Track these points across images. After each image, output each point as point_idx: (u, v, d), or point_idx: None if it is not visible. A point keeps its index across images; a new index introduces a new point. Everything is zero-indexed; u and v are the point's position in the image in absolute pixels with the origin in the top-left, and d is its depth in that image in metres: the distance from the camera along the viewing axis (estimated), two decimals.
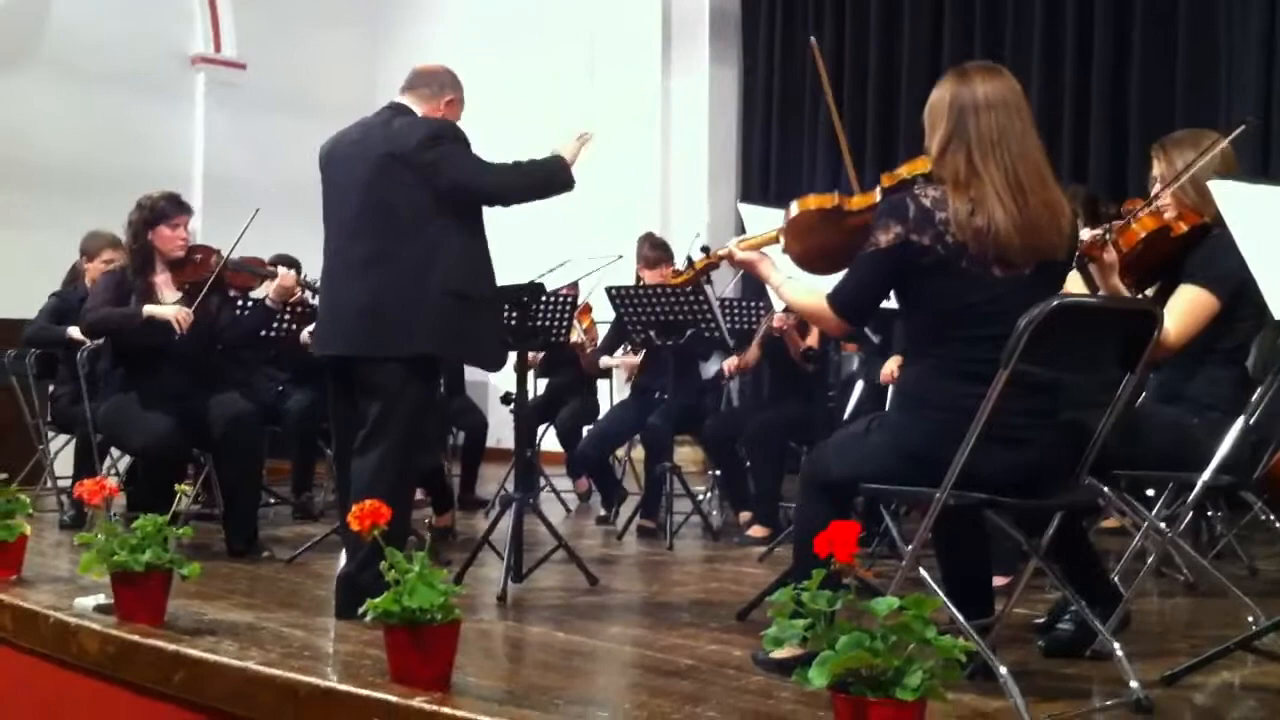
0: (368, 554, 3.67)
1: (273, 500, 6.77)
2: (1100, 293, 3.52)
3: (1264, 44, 7.18)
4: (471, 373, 7.34)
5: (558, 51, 10.37)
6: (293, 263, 6.61)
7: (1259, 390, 3.46)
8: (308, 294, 5.56)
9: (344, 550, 4.08)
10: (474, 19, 10.99)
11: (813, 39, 4.36)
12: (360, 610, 3.12)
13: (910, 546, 3.13)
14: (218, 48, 10.60)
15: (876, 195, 3.30)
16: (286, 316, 6.06)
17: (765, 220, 3.99)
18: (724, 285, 7.06)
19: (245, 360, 6.42)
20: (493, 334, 4.20)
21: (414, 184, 3.94)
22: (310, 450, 6.69)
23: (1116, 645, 3.00)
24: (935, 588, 3.01)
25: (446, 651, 3.08)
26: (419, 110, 4.15)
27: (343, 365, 4.06)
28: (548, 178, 4.14)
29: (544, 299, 5.91)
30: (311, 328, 5.18)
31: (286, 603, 4.27)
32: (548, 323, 6.26)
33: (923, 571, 3.06)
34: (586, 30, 10.24)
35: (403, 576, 3.02)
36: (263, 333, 5.90)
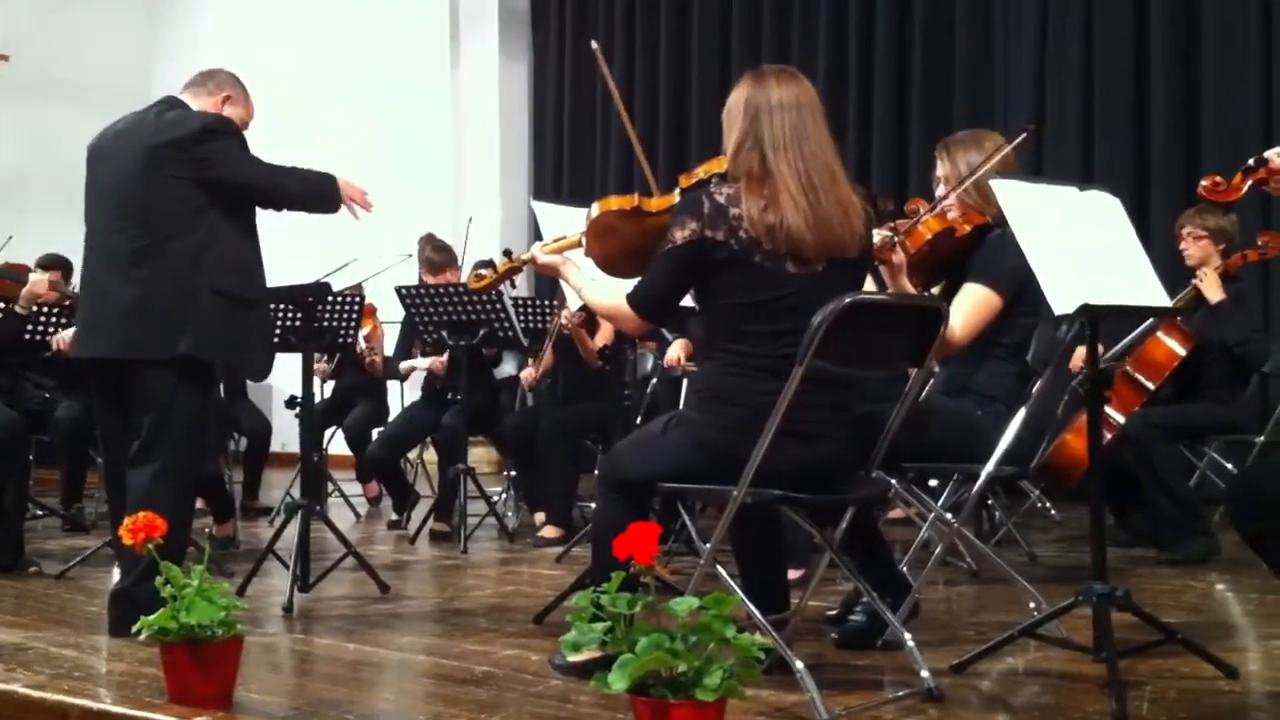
0: (143, 568, 3.48)
1: (40, 512, 6.40)
2: (890, 291, 3.59)
3: (1037, 48, 7.52)
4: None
5: (339, 41, 10.13)
6: (62, 263, 6.30)
7: (1038, 383, 3.58)
8: (66, 299, 5.30)
9: (117, 564, 3.87)
10: (252, 6, 10.65)
11: (595, 45, 4.30)
12: (134, 628, 2.95)
13: (708, 544, 3.13)
14: None
15: (675, 196, 3.31)
16: (51, 320, 5.72)
17: (559, 218, 3.95)
18: (517, 283, 6.99)
19: (9, 366, 6.06)
20: (259, 340, 4.02)
21: (184, 177, 3.76)
22: (81, 460, 6.36)
23: (907, 635, 3.05)
24: (733, 585, 3.02)
25: (228, 668, 2.94)
26: (195, 105, 3.98)
27: (108, 368, 3.85)
28: (320, 192, 4.00)
29: (330, 299, 5.74)
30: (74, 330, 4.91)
31: (56, 620, 4.03)
32: (334, 323, 6.09)
33: (720, 569, 3.06)
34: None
35: (179, 591, 2.87)
36: (26, 337, 5.58)
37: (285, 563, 4.40)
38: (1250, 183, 2.71)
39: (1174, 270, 5.29)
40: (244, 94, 4.12)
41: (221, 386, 6.21)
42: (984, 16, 7.87)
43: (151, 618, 2.87)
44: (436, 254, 6.48)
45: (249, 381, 7.15)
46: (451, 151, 9.96)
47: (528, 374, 6.36)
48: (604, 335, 5.92)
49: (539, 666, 3.33)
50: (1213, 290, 5.17)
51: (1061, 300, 2.91)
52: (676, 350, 5.58)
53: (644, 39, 9.45)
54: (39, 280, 5.12)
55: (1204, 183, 2.80)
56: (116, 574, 3.88)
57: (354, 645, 3.67)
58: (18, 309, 5.23)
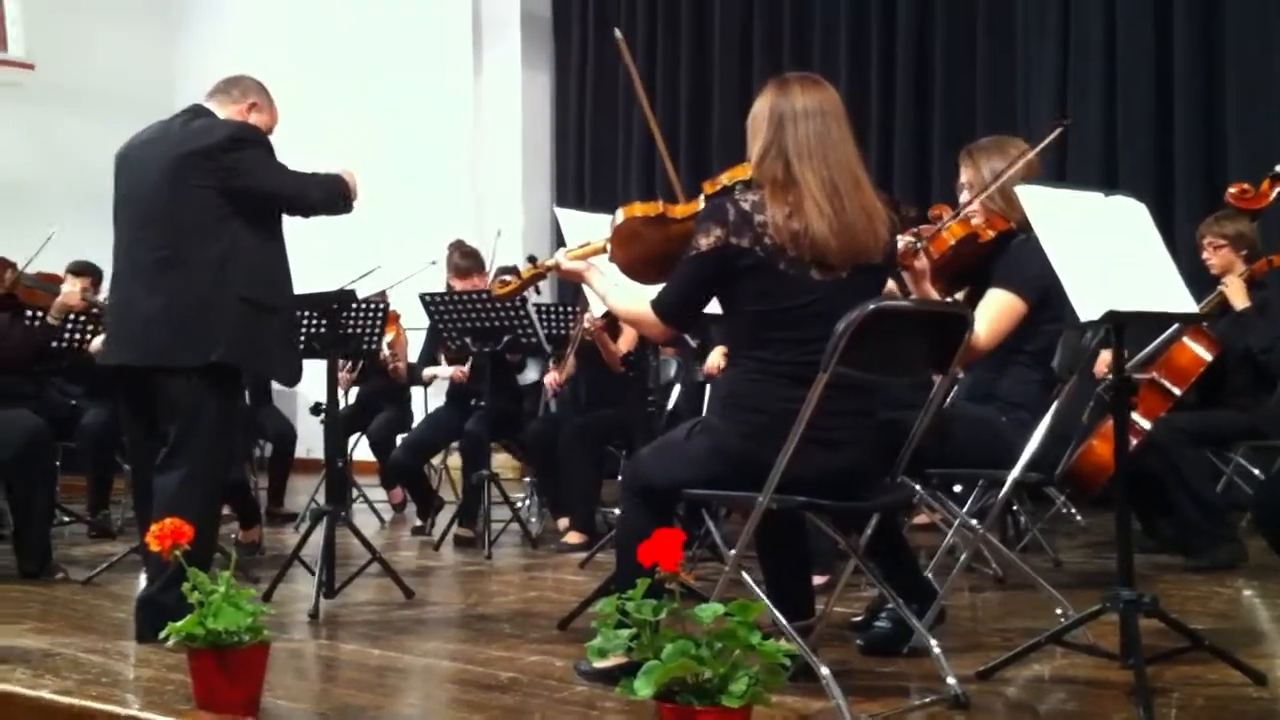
0: (170, 574, 3.50)
1: (67, 519, 6.44)
2: (913, 297, 3.58)
3: (1059, 56, 7.49)
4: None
5: (362, 49, 10.17)
6: (92, 270, 6.34)
7: (1064, 389, 3.57)
8: (94, 309, 5.34)
9: (144, 570, 3.89)
10: (274, 13, 10.70)
11: (617, 33, 4.31)
12: (162, 634, 2.97)
13: (733, 550, 3.13)
14: (3, 46, 10.09)
15: (700, 203, 3.31)
16: (81, 327, 5.76)
17: (581, 225, 3.96)
18: (541, 289, 7.01)
19: (35, 374, 6.09)
20: (286, 345, 4.03)
21: (211, 185, 3.78)
22: (107, 466, 6.38)
23: (933, 642, 3.05)
24: (758, 591, 3.02)
25: (255, 674, 2.96)
26: (221, 114, 4.00)
27: (135, 376, 3.87)
28: (338, 194, 4.04)
29: (355, 306, 5.77)
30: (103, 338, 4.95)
31: (83, 626, 4.06)
32: (359, 330, 6.11)
33: (745, 575, 3.06)
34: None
35: (206, 597, 2.89)
36: (54, 345, 5.63)
37: (311, 569, 4.42)
38: (1278, 190, 2.69)
39: (1198, 277, 5.26)
40: (269, 100, 4.14)
41: (247, 393, 6.23)
42: (1006, 24, 7.85)
43: (178, 624, 2.89)
44: (464, 259, 6.50)
45: (277, 386, 7.18)
46: (474, 159, 9.98)
47: (551, 378, 6.37)
48: (627, 341, 5.92)
49: (564, 672, 3.33)
50: (1238, 297, 5.14)
51: (1087, 306, 2.90)
52: (716, 358, 5.56)
53: (665, 48, 9.46)
54: (71, 292, 5.16)
55: (1231, 190, 2.80)
56: (143, 580, 3.90)
57: (379, 651, 3.68)
58: (50, 319, 5.27)
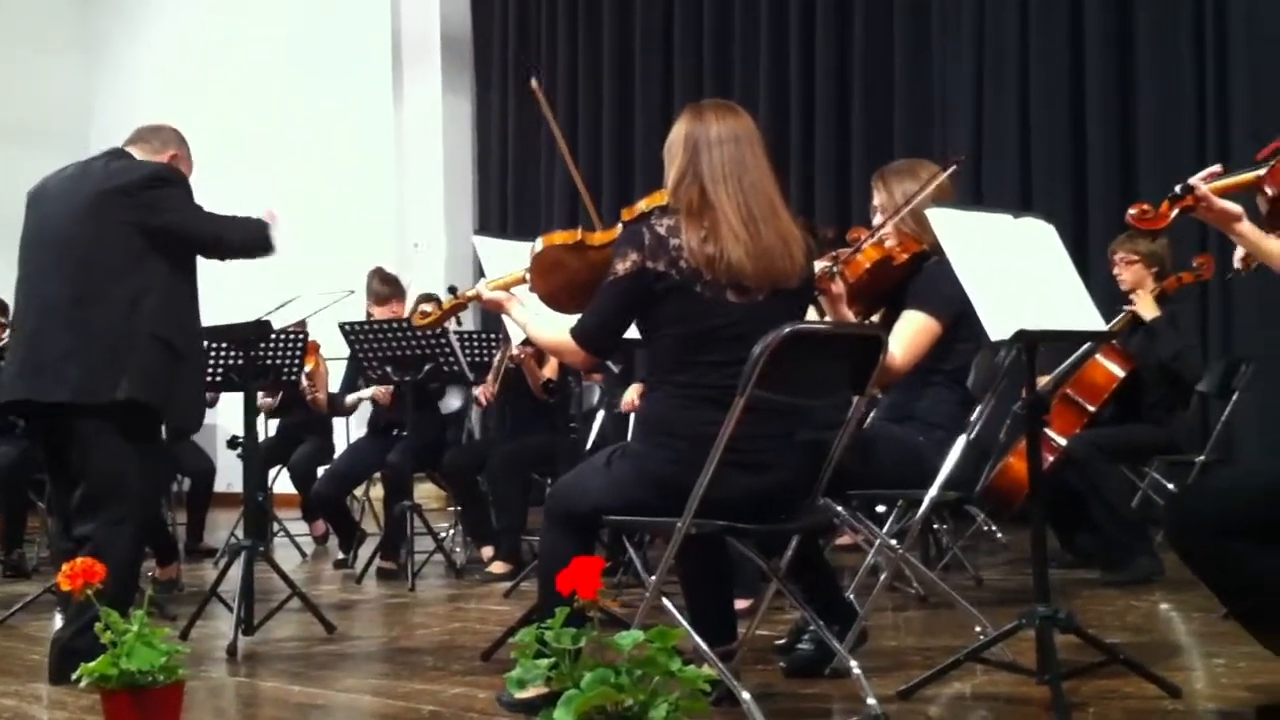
0: (86, 615, 3.42)
1: None
2: (829, 319, 3.61)
3: (974, 82, 7.63)
4: None
5: (281, 75, 10.09)
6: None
7: (978, 409, 3.61)
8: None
9: (59, 610, 3.80)
10: (193, 42, 10.60)
11: (533, 81, 4.31)
12: (75, 675, 2.90)
13: (654, 576, 3.12)
14: None
15: (618, 230, 3.31)
16: None
17: (501, 253, 3.95)
18: (463, 319, 6.98)
19: None
20: (192, 390, 3.99)
21: (130, 222, 3.76)
22: (20, 503, 6.24)
23: (854, 663, 3.06)
24: (679, 617, 3.01)
25: (171, 713, 2.91)
26: (140, 158, 3.97)
27: (49, 416, 3.79)
28: (259, 238, 4.00)
29: (272, 337, 5.70)
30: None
31: None
32: (277, 362, 6.04)
33: (666, 601, 3.05)
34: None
35: (120, 637, 2.83)
36: None
37: (229, 605, 4.35)
38: (1178, 210, 2.75)
39: (1113, 296, 5.37)
40: (188, 152, 4.14)
41: (164, 427, 6.13)
42: (922, 49, 7.98)
43: (92, 664, 2.84)
44: (383, 286, 6.47)
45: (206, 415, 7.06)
46: (395, 186, 9.93)
47: (483, 390, 6.29)
48: (550, 369, 5.91)
49: (486, 705, 3.30)
50: (1146, 309, 5.24)
51: (996, 326, 2.95)
52: (631, 394, 5.56)
53: (586, 72, 9.50)
54: None
55: (1132, 211, 2.84)
56: (59, 620, 3.81)
57: (299, 687, 3.63)
58: None
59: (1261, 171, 2.74)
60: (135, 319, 3.71)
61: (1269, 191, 2.73)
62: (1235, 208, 2.74)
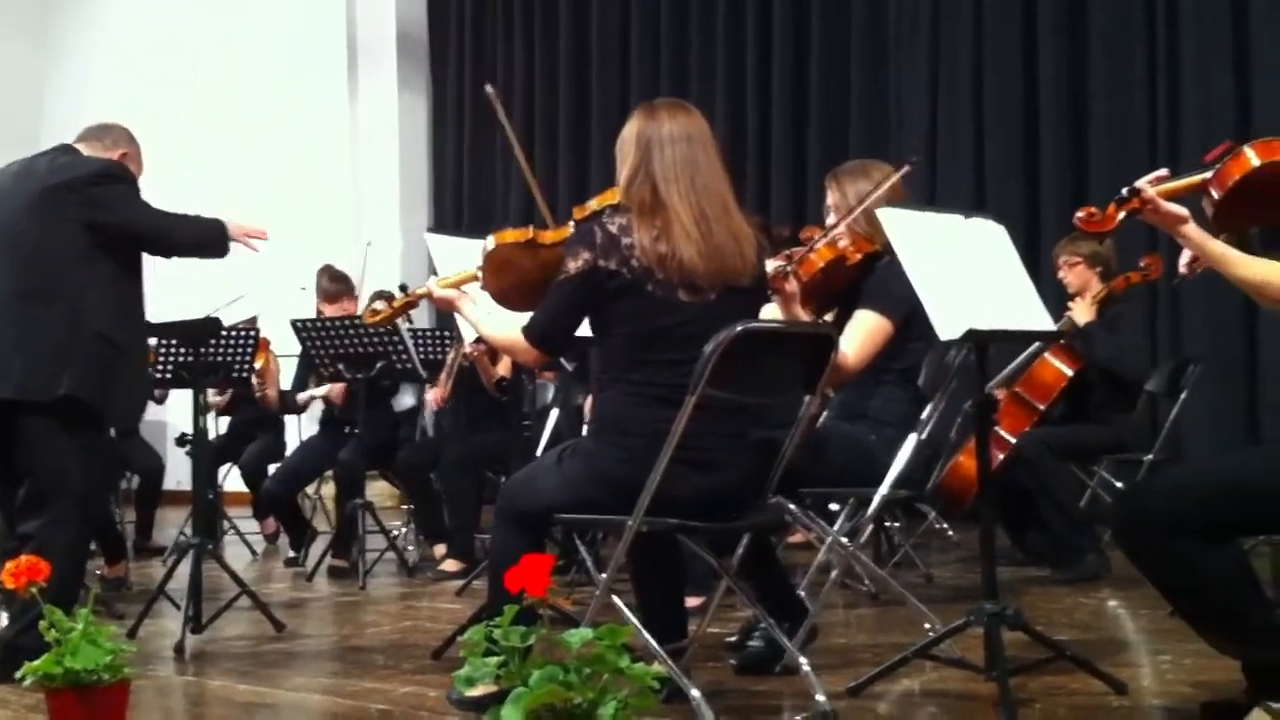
0: (30, 613, 3.38)
1: None
2: (781, 318, 3.62)
3: (929, 85, 7.69)
4: (146, 411, 6.94)
5: (236, 72, 10.01)
6: None
7: (929, 407, 3.63)
8: None
9: (3, 609, 3.75)
10: (147, 37, 10.49)
11: (489, 88, 4.29)
12: (18, 674, 2.87)
13: (604, 575, 3.12)
14: None
15: (570, 228, 3.31)
16: None
17: (453, 251, 3.94)
18: (416, 315, 6.94)
19: None
20: (130, 388, 3.93)
21: (76, 219, 3.72)
22: None
23: (803, 660, 3.07)
24: (629, 614, 3.01)
25: (116, 712, 2.87)
26: (88, 155, 3.92)
27: None
28: (208, 238, 3.97)
29: (223, 334, 5.65)
30: None
31: None
32: (227, 358, 6.00)
33: (616, 599, 3.05)
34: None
35: (64, 635, 2.80)
36: None
37: (177, 604, 4.31)
38: (1124, 213, 2.77)
39: (1064, 296, 5.41)
40: (138, 152, 4.10)
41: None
42: (878, 50, 8.03)
43: (35, 663, 2.80)
44: (332, 283, 6.44)
45: (154, 412, 7.00)
46: (351, 184, 9.88)
47: (434, 394, 6.28)
48: (503, 367, 5.90)
49: (436, 703, 3.29)
50: (1080, 314, 5.30)
51: (946, 326, 2.96)
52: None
53: (543, 72, 9.48)
54: None
55: (1079, 214, 2.87)
56: (3, 619, 3.76)
57: (247, 686, 3.60)
58: None
59: (1208, 175, 2.78)
60: (80, 316, 3.68)
61: (1215, 194, 2.76)
62: (1181, 210, 2.76)
